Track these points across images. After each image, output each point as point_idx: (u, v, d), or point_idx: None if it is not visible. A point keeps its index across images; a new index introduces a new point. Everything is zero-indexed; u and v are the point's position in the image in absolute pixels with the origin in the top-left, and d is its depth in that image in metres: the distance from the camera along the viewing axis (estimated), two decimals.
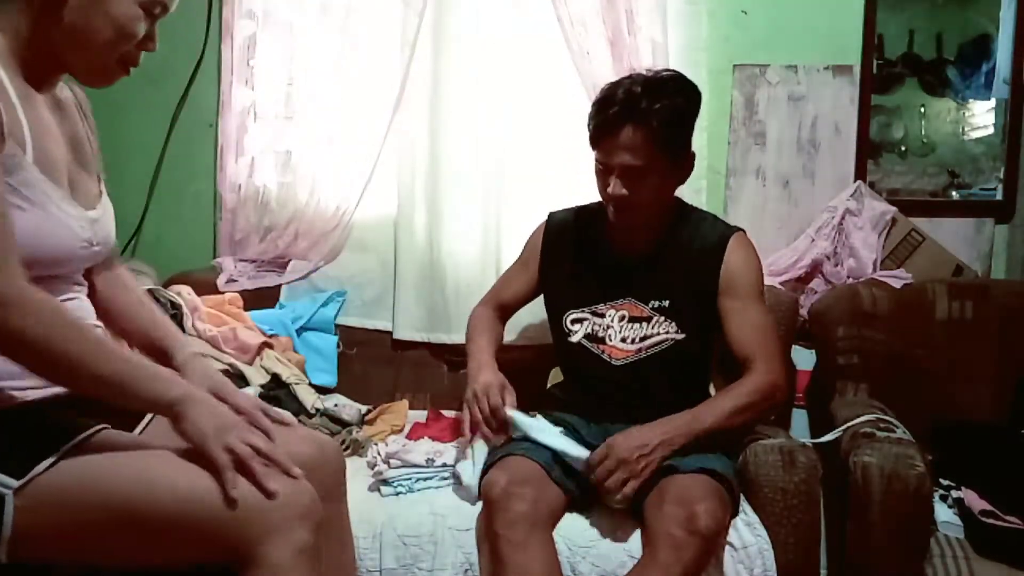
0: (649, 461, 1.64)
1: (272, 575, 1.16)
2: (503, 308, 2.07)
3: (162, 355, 1.44)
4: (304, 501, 1.21)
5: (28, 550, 1.18)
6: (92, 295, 1.47)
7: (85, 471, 1.17)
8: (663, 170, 1.77)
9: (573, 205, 2.03)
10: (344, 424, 2.16)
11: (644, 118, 1.71)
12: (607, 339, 1.88)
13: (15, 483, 1.14)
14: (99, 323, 1.41)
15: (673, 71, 1.83)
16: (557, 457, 1.73)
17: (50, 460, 1.16)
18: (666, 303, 1.85)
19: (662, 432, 1.67)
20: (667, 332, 1.85)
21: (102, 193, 1.39)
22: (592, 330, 1.90)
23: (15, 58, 1.23)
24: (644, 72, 1.81)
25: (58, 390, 1.26)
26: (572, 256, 1.96)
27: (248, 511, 1.16)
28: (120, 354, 1.22)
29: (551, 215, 2.04)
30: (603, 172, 1.79)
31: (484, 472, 1.75)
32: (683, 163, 1.82)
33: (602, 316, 1.89)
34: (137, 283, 1.59)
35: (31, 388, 1.25)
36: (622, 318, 1.88)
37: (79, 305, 1.35)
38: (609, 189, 1.77)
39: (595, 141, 1.78)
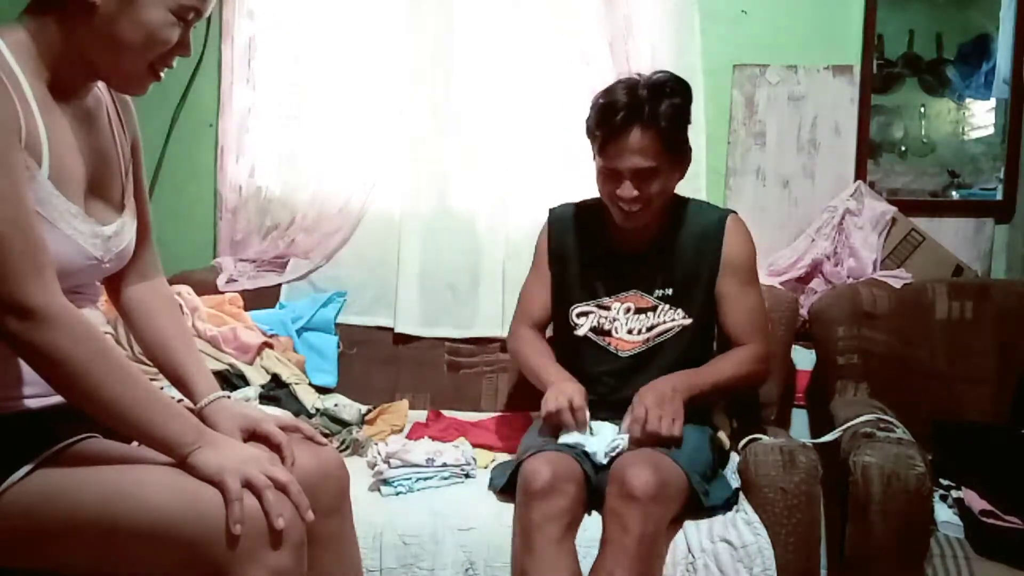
0: (676, 404, 1.74)
1: None
2: (534, 321, 2.04)
3: (183, 392, 1.42)
4: (280, 524, 1.16)
5: (1, 556, 1.17)
6: (117, 302, 1.45)
7: (59, 482, 1.16)
8: (669, 168, 1.83)
9: (571, 200, 2.05)
10: (344, 424, 2.16)
11: (652, 120, 1.76)
12: (613, 331, 1.91)
13: None
14: (109, 329, 1.40)
15: (665, 72, 1.86)
16: (584, 453, 1.74)
17: (26, 468, 1.15)
18: (669, 291, 1.90)
19: (675, 381, 1.79)
20: (674, 319, 1.89)
21: (125, 206, 1.35)
22: (598, 323, 1.92)
23: (44, 67, 1.21)
24: (637, 76, 1.85)
25: (59, 399, 1.24)
26: (576, 250, 1.98)
27: (222, 534, 1.13)
28: (144, 385, 1.19)
29: (551, 211, 2.06)
30: (611, 176, 1.82)
31: (519, 462, 1.73)
32: (685, 159, 1.88)
33: (608, 309, 1.92)
34: (175, 301, 1.54)
35: (30, 397, 1.23)
36: (628, 310, 1.91)
37: (86, 313, 1.32)
38: (620, 191, 1.81)
39: (603, 147, 1.80)
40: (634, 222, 1.85)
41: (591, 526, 1.71)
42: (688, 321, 1.89)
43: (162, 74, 1.28)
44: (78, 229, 1.23)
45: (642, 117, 1.75)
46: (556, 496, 1.62)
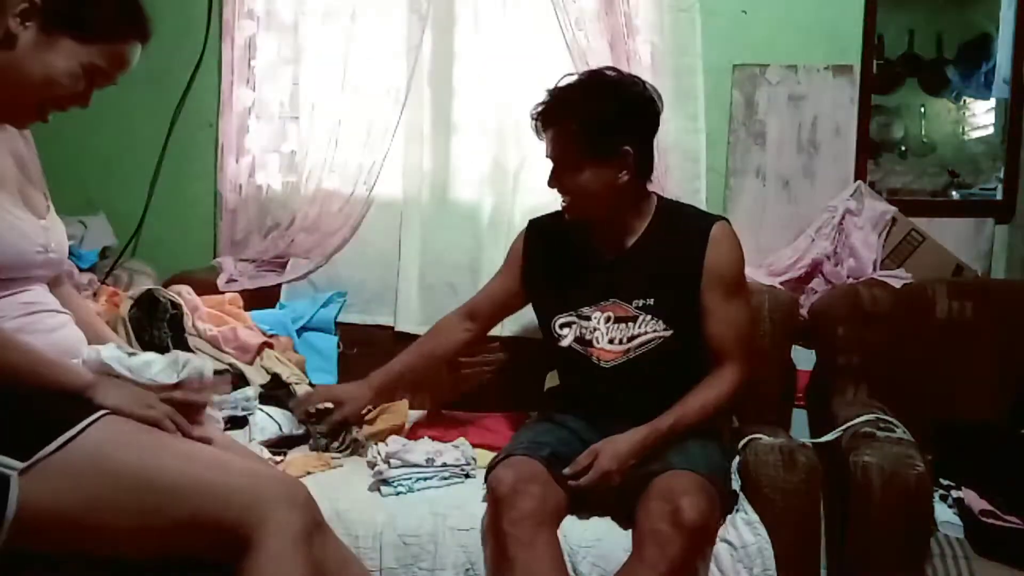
0: (626, 468, 1.72)
1: (269, 560, 1.20)
2: (473, 313, 2.08)
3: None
4: (298, 491, 1.30)
5: (30, 534, 1.22)
6: None
7: (96, 450, 1.23)
8: (590, 168, 1.78)
9: (553, 210, 2.01)
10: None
11: (566, 115, 1.78)
12: (594, 342, 1.88)
13: (20, 465, 1.19)
14: (65, 310, 1.47)
15: (618, 74, 1.85)
16: (557, 456, 1.74)
17: (57, 443, 1.21)
18: (651, 301, 1.85)
19: (642, 440, 1.75)
20: (654, 330, 1.85)
21: (49, 208, 1.45)
22: (580, 333, 1.89)
23: None
24: (595, 70, 1.88)
25: None
26: (556, 260, 1.96)
27: (246, 496, 1.23)
28: (29, 350, 1.30)
29: (531, 222, 2.06)
30: None
31: (489, 471, 1.75)
32: (615, 161, 1.79)
33: (588, 319, 1.89)
34: (82, 300, 1.69)
35: None
36: (608, 319, 1.87)
37: (37, 296, 1.40)
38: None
39: (537, 131, 1.85)
40: (570, 214, 1.86)
41: (590, 527, 1.71)
42: (668, 333, 1.84)
43: (48, 117, 1.38)
44: (20, 217, 1.32)
45: (558, 111, 1.78)
46: (520, 499, 1.62)
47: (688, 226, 1.88)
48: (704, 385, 1.83)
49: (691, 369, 1.88)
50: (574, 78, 1.84)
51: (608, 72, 1.85)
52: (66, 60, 1.32)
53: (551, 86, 1.84)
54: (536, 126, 1.83)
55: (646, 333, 1.85)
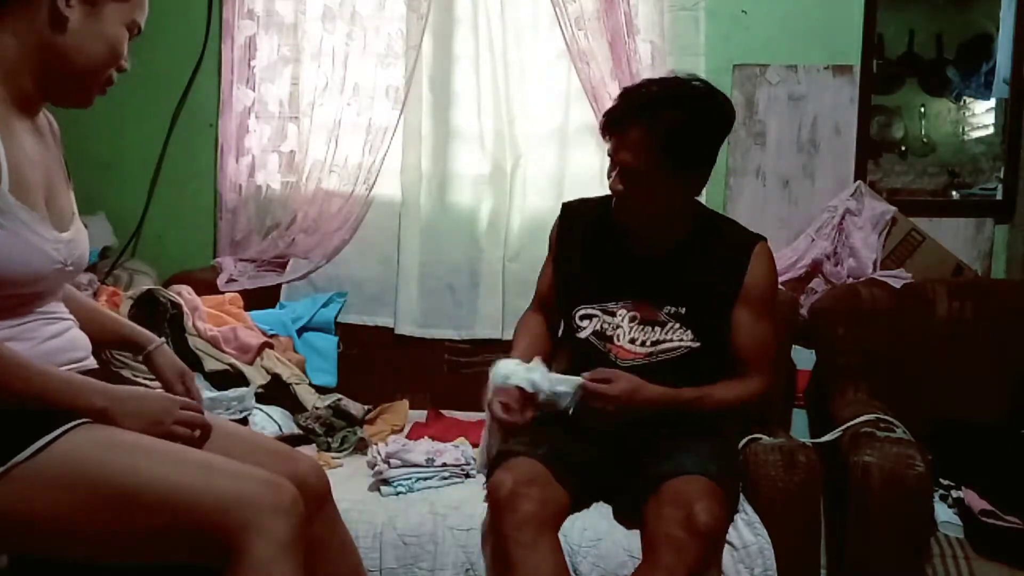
0: (629, 408, 1.71)
1: (255, 569, 1.18)
2: (545, 305, 1.99)
3: (136, 347, 1.56)
4: (284, 496, 1.24)
5: (5, 539, 1.21)
6: None
7: (73, 456, 1.20)
8: (663, 178, 1.70)
9: (588, 196, 1.98)
10: (350, 418, 2.17)
11: (649, 122, 1.67)
12: (615, 338, 1.84)
13: None
14: (68, 316, 1.44)
15: (704, 83, 1.76)
16: (559, 455, 1.73)
17: (32, 449, 1.19)
18: (683, 310, 1.81)
19: (660, 397, 1.73)
20: (682, 340, 1.81)
21: (74, 214, 1.42)
22: (601, 327, 1.85)
23: (2, 84, 1.27)
24: (677, 75, 1.78)
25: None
26: (587, 248, 1.90)
27: (229, 502, 1.19)
28: (39, 373, 1.26)
29: (565, 205, 1.99)
30: (611, 163, 1.76)
31: (489, 473, 1.74)
32: (691, 176, 1.76)
33: (613, 315, 1.85)
34: (79, 290, 1.67)
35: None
36: (633, 319, 1.83)
37: (45, 306, 1.37)
38: (609, 181, 1.76)
39: (603, 131, 1.75)
40: (623, 218, 1.79)
41: (590, 527, 1.71)
42: (696, 344, 1.80)
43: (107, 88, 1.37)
44: (43, 236, 1.28)
45: (642, 116, 1.68)
46: (521, 502, 1.60)
47: (730, 241, 1.84)
48: (730, 382, 1.80)
49: (711, 382, 1.83)
50: (660, 80, 1.75)
51: (697, 81, 1.75)
52: (115, 25, 1.31)
53: (636, 85, 1.76)
54: (608, 123, 1.73)
55: (672, 341, 1.81)
